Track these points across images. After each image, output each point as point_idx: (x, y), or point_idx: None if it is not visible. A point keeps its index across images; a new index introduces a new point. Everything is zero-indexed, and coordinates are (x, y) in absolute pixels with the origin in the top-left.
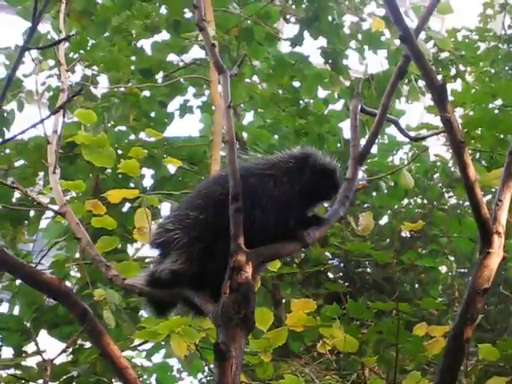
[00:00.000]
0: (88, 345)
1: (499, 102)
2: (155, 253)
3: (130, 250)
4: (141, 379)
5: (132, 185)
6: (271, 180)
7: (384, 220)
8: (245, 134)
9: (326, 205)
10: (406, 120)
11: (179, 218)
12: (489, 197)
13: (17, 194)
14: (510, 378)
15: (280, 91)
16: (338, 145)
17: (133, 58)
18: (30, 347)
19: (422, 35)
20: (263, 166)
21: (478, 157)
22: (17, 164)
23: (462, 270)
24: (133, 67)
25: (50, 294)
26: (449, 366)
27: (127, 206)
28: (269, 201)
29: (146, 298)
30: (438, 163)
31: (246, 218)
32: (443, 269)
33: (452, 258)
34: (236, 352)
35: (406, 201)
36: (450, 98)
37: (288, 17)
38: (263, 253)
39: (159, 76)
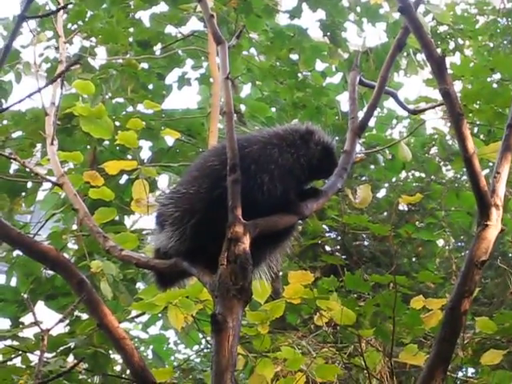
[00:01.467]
0: (85, 316)
1: (498, 75)
2: (152, 225)
3: (128, 221)
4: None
5: (130, 157)
6: (276, 149)
7: (382, 193)
8: (243, 107)
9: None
10: (405, 94)
11: (177, 193)
12: (487, 171)
13: (14, 166)
14: (506, 351)
15: (278, 64)
16: (336, 118)
17: (131, 29)
18: (27, 318)
19: (421, 9)
20: (267, 136)
21: (476, 131)
22: (14, 135)
23: (460, 244)
24: (131, 39)
25: (48, 263)
26: (445, 338)
27: (125, 178)
28: (276, 167)
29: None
30: (436, 136)
31: (251, 183)
32: (440, 242)
33: (449, 232)
34: (233, 323)
35: (403, 174)
36: (449, 71)
37: None
38: (260, 224)
39: (157, 48)
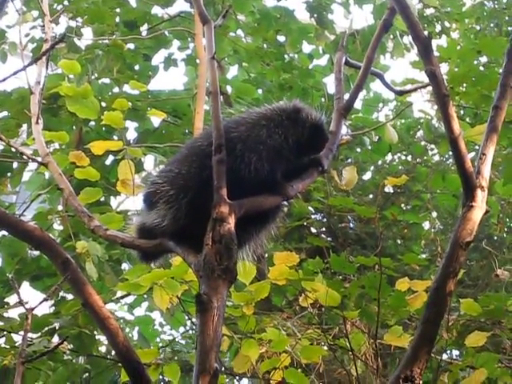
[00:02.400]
0: (70, 297)
1: (484, 58)
2: (139, 206)
3: (114, 202)
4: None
5: (116, 137)
6: (264, 129)
7: (368, 175)
8: (229, 88)
9: None
10: (391, 76)
11: (166, 173)
12: (472, 154)
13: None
14: (490, 333)
15: (265, 45)
16: (322, 99)
17: (117, 9)
18: (12, 299)
19: None
20: (254, 117)
21: (462, 114)
22: None
23: (445, 226)
24: (117, 19)
25: (32, 243)
26: (430, 319)
27: (111, 158)
28: (264, 148)
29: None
30: (422, 120)
31: (238, 162)
32: (426, 224)
33: (435, 214)
34: (218, 303)
35: (389, 157)
36: (436, 54)
37: None
38: (246, 204)
39: (144, 28)
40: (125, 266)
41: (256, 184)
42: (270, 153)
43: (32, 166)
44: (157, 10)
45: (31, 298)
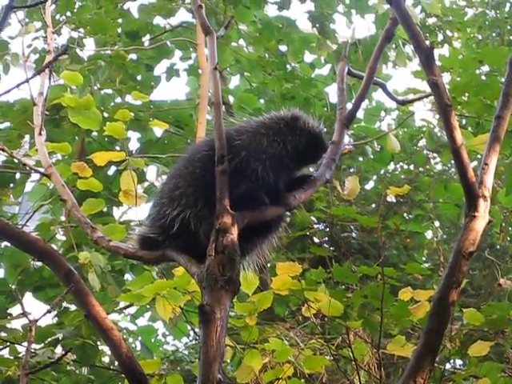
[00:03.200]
0: (73, 308)
1: (486, 68)
2: (141, 216)
3: (116, 213)
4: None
5: (118, 148)
6: (264, 138)
7: (370, 185)
8: (231, 98)
9: (312, 169)
10: (393, 86)
11: (167, 190)
12: (475, 163)
13: (2, 157)
14: (493, 342)
15: (267, 55)
16: (325, 109)
17: (119, 20)
18: (15, 310)
19: (410, 0)
20: (254, 126)
21: (464, 123)
22: (2, 126)
23: (448, 235)
24: (119, 30)
25: (35, 254)
26: (433, 329)
27: (113, 169)
28: (266, 157)
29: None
30: (424, 128)
31: (244, 167)
32: (429, 234)
33: (437, 223)
34: (221, 314)
35: (392, 166)
36: (437, 63)
37: None
38: (248, 215)
39: (146, 39)
40: (127, 276)
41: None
42: (272, 162)
43: (34, 176)
44: (159, 21)
45: (34, 308)
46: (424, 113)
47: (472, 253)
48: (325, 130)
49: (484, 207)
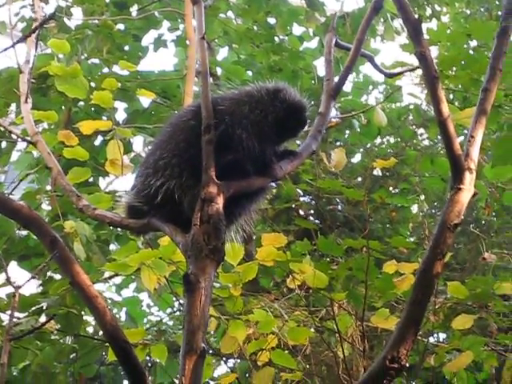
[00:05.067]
0: (58, 277)
1: (474, 43)
2: (127, 186)
3: (102, 183)
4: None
5: (105, 118)
6: (246, 105)
7: (356, 158)
8: (219, 70)
9: (298, 142)
10: (381, 60)
11: (151, 160)
12: (461, 138)
13: None
14: (477, 316)
15: (255, 27)
16: (312, 82)
17: None
18: None
19: None
20: (238, 93)
21: (451, 98)
22: None
23: (433, 210)
24: (107, 0)
25: (20, 221)
26: (417, 300)
27: (100, 139)
28: (248, 123)
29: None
30: (411, 106)
31: (230, 133)
32: (414, 208)
33: (423, 197)
34: (205, 283)
35: (378, 140)
36: (426, 37)
37: None
38: (234, 185)
39: (134, 9)
40: (113, 246)
41: (253, 160)
42: (254, 128)
43: (21, 145)
44: None
45: (19, 277)
46: (411, 87)
47: (457, 225)
48: (309, 105)
49: (469, 180)
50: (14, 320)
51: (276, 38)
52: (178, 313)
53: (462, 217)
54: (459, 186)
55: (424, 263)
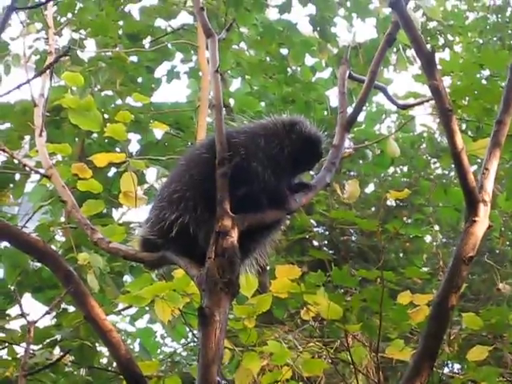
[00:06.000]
0: (72, 309)
1: (487, 72)
2: (140, 218)
3: (116, 214)
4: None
5: (118, 150)
6: (261, 138)
7: (370, 188)
8: (232, 101)
9: (312, 173)
10: (394, 90)
11: (166, 194)
12: (475, 167)
13: (2, 157)
14: (492, 347)
15: (267, 58)
16: (325, 113)
17: (120, 22)
18: (13, 311)
19: (411, 4)
20: (252, 126)
21: (464, 128)
22: (2, 127)
23: (447, 240)
24: (120, 32)
25: (35, 255)
26: (432, 333)
27: (113, 170)
28: (264, 156)
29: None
30: (425, 134)
31: (241, 169)
32: (428, 238)
33: (437, 228)
34: (220, 317)
35: (392, 170)
36: (438, 67)
37: None
38: (249, 218)
39: (147, 41)
40: (126, 278)
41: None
42: (270, 161)
43: (34, 177)
44: (160, 23)
45: (33, 309)
46: (424, 117)
47: (472, 258)
48: (324, 137)
49: (484, 212)
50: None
51: (288, 69)
52: (192, 344)
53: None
54: (474, 218)
55: (439, 296)
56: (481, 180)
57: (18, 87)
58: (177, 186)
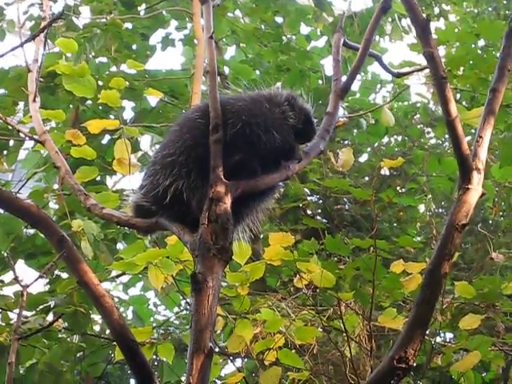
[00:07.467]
0: (65, 275)
1: (482, 42)
2: (134, 185)
3: (110, 182)
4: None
5: (112, 117)
6: (265, 103)
7: (364, 157)
8: (226, 69)
9: None
10: (389, 59)
11: (159, 159)
12: (469, 138)
13: None
14: (484, 316)
15: (262, 26)
16: (320, 82)
17: None
18: (7, 277)
19: None
20: (254, 94)
21: (459, 98)
22: None
23: (441, 209)
24: None
25: (28, 220)
26: (425, 300)
27: (107, 138)
28: (268, 120)
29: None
30: (419, 104)
31: (240, 135)
32: (422, 207)
33: (430, 197)
34: (213, 282)
35: (386, 139)
36: (434, 36)
37: None
38: (242, 184)
39: (141, 8)
40: (120, 245)
41: (273, 154)
42: (275, 124)
43: (28, 144)
44: None
45: (26, 276)
46: (419, 87)
47: (465, 225)
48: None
49: (477, 180)
50: (22, 319)
51: (283, 38)
52: (184, 312)
53: (470, 217)
54: (467, 186)
55: (432, 263)
56: (474, 148)
57: (12, 50)
58: (170, 150)
